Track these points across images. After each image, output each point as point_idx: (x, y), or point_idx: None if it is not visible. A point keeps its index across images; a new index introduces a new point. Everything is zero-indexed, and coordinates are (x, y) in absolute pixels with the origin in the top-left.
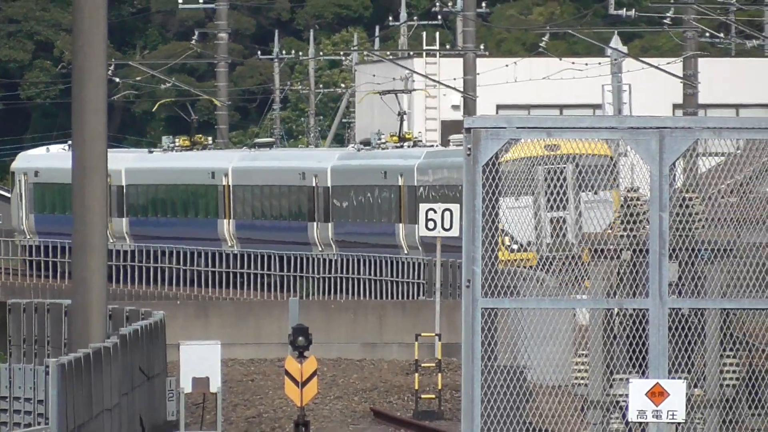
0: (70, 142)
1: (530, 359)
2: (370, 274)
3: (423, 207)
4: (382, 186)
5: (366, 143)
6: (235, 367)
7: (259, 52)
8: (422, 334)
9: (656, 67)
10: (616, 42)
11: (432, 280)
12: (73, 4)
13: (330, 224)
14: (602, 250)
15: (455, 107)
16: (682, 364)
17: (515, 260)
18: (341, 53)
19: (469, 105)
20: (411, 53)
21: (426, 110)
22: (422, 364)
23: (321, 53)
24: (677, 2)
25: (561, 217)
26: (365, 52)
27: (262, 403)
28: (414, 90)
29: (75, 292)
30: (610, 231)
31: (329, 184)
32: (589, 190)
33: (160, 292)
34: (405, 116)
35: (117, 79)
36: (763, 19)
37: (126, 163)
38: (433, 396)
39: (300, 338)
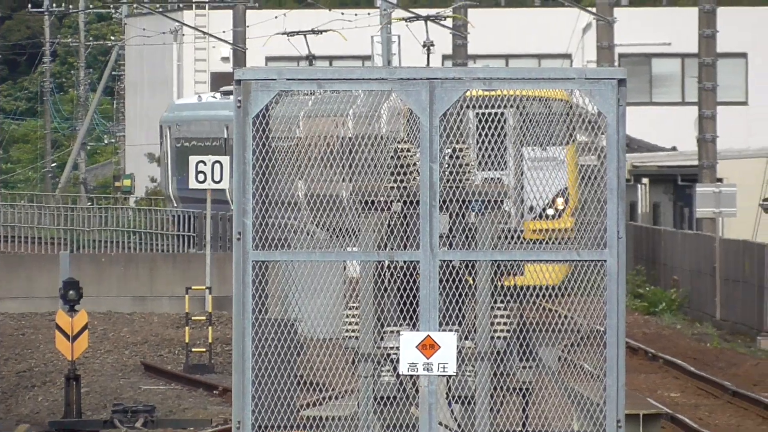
0: (223, 89)
1: (301, 312)
2: (140, 227)
3: (193, 159)
4: None
5: None
6: (5, 321)
7: (29, 5)
8: (193, 288)
9: (425, 18)
10: None
11: (202, 232)
12: None
13: None
14: (373, 202)
15: (225, 59)
16: (452, 316)
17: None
18: (111, 6)
19: (239, 57)
20: (180, 6)
21: (195, 62)
22: (193, 318)
23: (91, 6)
24: None
25: (497, 178)
26: (135, 5)
27: (33, 357)
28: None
29: None
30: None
31: None
32: (536, 145)
33: None
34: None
35: None
36: None
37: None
38: (204, 349)
39: (71, 292)
